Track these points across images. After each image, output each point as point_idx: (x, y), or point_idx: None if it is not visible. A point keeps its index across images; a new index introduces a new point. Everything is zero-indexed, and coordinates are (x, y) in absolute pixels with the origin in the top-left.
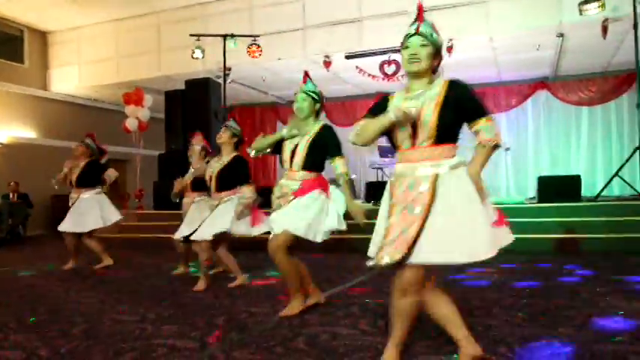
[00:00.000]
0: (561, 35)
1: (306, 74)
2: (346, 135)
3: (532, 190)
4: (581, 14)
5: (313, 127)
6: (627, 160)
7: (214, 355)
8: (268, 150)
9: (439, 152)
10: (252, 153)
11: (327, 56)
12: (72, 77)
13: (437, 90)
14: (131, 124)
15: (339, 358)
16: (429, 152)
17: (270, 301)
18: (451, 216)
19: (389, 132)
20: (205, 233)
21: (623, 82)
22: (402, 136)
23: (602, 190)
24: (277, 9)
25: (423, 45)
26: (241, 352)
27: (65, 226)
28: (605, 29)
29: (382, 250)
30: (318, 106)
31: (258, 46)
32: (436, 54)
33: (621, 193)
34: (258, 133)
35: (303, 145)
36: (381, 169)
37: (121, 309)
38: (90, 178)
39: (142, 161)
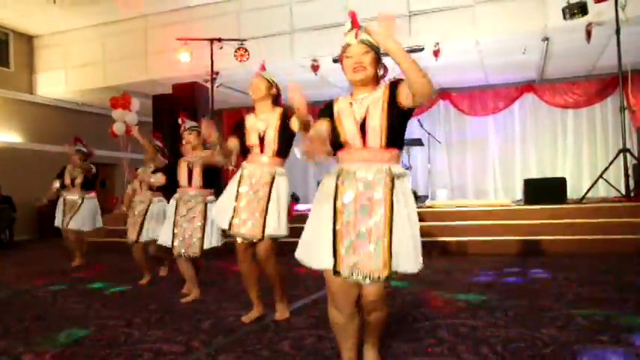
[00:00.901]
0: (546, 39)
1: (263, 65)
2: None
3: (519, 193)
4: (565, 19)
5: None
6: (611, 163)
7: (200, 359)
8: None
9: (388, 156)
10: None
11: (314, 60)
12: (58, 81)
13: (380, 92)
14: (118, 128)
15: None
16: (380, 155)
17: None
18: (408, 226)
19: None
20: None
21: (607, 86)
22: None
23: (587, 192)
24: (265, 13)
25: (365, 52)
26: (227, 355)
27: (76, 225)
28: (589, 33)
29: (347, 261)
30: (273, 90)
31: (246, 50)
32: (378, 60)
33: (607, 194)
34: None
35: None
36: None
37: (108, 314)
38: (90, 182)
39: (129, 165)
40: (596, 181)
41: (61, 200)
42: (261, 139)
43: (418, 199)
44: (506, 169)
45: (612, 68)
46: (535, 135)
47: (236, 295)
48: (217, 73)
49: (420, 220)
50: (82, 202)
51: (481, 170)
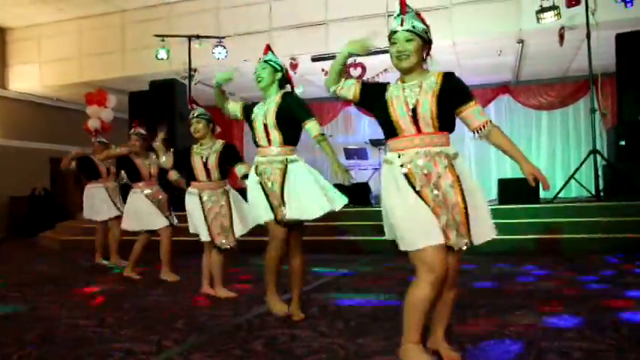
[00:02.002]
0: (521, 41)
1: (268, 47)
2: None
3: (494, 192)
4: (538, 22)
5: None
6: (581, 164)
7: (171, 358)
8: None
9: (441, 140)
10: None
11: (293, 58)
12: (32, 76)
13: (433, 79)
14: (93, 124)
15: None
16: (435, 139)
17: (230, 304)
18: (478, 197)
19: (384, 121)
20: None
21: (580, 88)
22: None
23: (559, 192)
24: (243, 10)
25: (409, 40)
26: (199, 354)
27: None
28: (561, 37)
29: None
30: (279, 75)
31: (224, 48)
32: (425, 44)
33: (578, 194)
34: (226, 135)
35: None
36: (347, 171)
37: (79, 314)
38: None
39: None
40: (567, 182)
41: (101, 190)
42: (265, 128)
43: None
44: (482, 168)
45: (585, 71)
46: (510, 135)
47: (210, 294)
48: (195, 71)
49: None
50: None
51: None
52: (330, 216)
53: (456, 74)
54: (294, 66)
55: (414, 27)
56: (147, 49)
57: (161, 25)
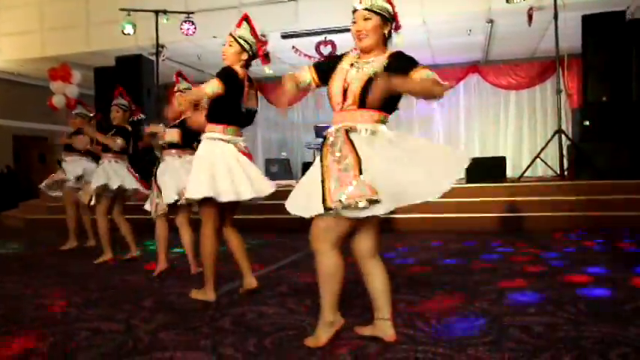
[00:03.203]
0: (491, 21)
1: (244, 17)
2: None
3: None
4: (507, 2)
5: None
6: (547, 143)
7: (139, 337)
8: None
9: (365, 117)
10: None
11: (263, 35)
12: None
13: (382, 59)
14: (58, 101)
15: (262, 337)
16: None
17: (199, 282)
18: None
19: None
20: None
21: (547, 69)
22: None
23: (525, 171)
24: None
25: (367, 19)
26: (167, 333)
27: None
28: (530, 17)
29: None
30: (245, 56)
31: (192, 23)
32: (385, 22)
33: (544, 173)
34: (195, 112)
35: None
36: (317, 149)
37: (45, 293)
38: None
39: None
40: (532, 161)
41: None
42: None
43: None
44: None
45: (552, 52)
46: (479, 115)
47: (178, 273)
48: (163, 47)
49: None
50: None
51: None
52: None
53: (427, 53)
54: (264, 42)
55: (372, 5)
56: (112, 23)
57: None
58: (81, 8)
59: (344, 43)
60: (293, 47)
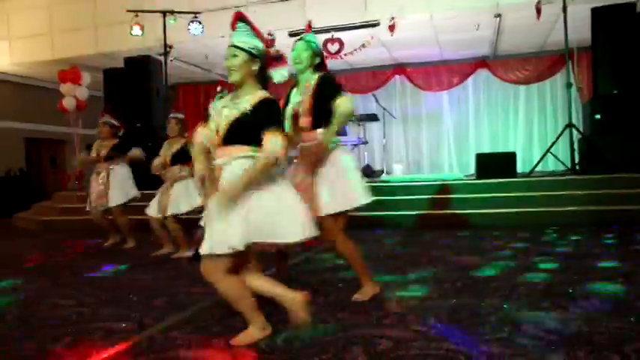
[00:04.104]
0: (499, 15)
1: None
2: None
3: (473, 167)
4: None
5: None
6: (558, 138)
7: (152, 336)
8: None
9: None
10: None
11: (270, 34)
12: (2, 53)
13: (249, 98)
14: (68, 103)
15: (274, 335)
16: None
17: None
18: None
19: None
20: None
21: (557, 62)
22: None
23: (536, 166)
24: None
25: (234, 55)
26: (179, 332)
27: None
28: (538, 11)
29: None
30: (318, 60)
31: (200, 23)
32: (253, 59)
33: (555, 168)
34: (203, 111)
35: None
36: None
37: (58, 294)
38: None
39: (81, 141)
40: (543, 156)
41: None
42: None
43: (374, 173)
44: (460, 143)
45: (561, 45)
46: (488, 110)
47: (189, 272)
48: (171, 47)
49: (376, 194)
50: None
51: (436, 145)
52: None
53: (435, 49)
54: (270, 42)
55: (239, 41)
56: (120, 24)
57: (134, 0)
58: (89, 10)
59: (351, 40)
60: None
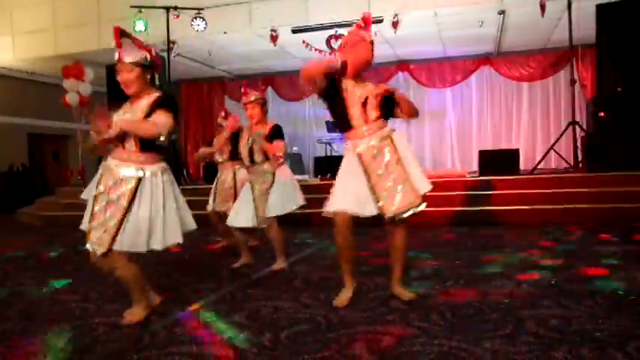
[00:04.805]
0: (503, 12)
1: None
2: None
3: (475, 164)
4: None
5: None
6: (561, 135)
7: (156, 332)
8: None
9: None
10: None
11: (273, 30)
12: (5, 48)
13: (145, 102)
14: (71, 98)
15: (277, 331)
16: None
17: (215, 276)
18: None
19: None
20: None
21: (560, 59)
22: None
23: (539, 163)
24: None
25: (130, 71)
26: (183, 327)
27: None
28: (543, 7)
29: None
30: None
31: (203, 19)
32: (146, 69)
33: (558, 165)
34: (206, 108)
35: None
36: (329, 143)
37: (63, 289)
38: None
39: (84, 137)
40: (546, 153)
41: None
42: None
43: None
44: (463, 140)
45: (565, 42)
46: (491, 107)
47: (193, 269)
48: (174, 43)
49: None
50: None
51: (439, 142)
52: (315, 189)
53: (438, 46)
54: (274, 38)
55: (131, 58)
56: (123, 20)
57: None
58: (92, 6)
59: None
60: (304, 42)
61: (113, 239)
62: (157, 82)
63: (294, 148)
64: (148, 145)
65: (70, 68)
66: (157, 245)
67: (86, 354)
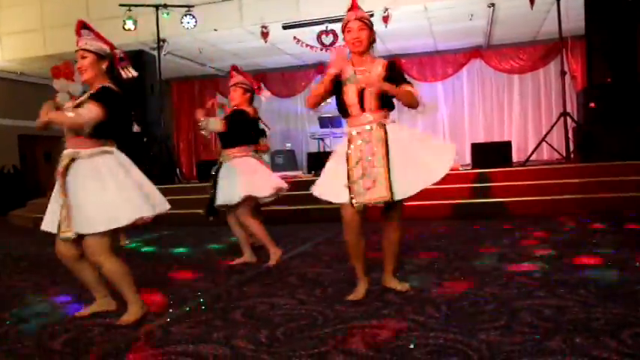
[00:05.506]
0: (492, 5)
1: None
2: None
3: (468, 157)
4: None
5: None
6: (552, 126)
7: (151, 331)
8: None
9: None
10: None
11: (264, 27)
12: None
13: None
14: (62, 99)
15: (273, 328)
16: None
17: (211, 275)
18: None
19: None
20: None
21: (550, 51)
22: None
23: (531, 155)
24: None
25: (84, 57)
26: (179, 326)
27: None
28: (532, 0)
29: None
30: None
31: (193, 17)
32: (100, 59)
33: (550, 156)
34: (198, 107)
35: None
36: (322, 139)
37: (56, 291)
38: None
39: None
40: (538, 145)
41: None
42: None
43: None
44: (455, 133)
45: (555, 34)
46: (483, 100)
47: (189, 266)
48: (164, 41)
49: None
50: None
51: (431, 135)
52: (308, 184)
53: (429, 40)
54: (265, 35)
55: (87, 46)
56: (113, 19)
57: None
58: (81, 5)
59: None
60: (294, 38)
61: (69, 221)
62: (116, 78)
63: (287, 145)
64: (98, 133)
65: (60, 68)
66: (101, 227)
67: (82, 355)
